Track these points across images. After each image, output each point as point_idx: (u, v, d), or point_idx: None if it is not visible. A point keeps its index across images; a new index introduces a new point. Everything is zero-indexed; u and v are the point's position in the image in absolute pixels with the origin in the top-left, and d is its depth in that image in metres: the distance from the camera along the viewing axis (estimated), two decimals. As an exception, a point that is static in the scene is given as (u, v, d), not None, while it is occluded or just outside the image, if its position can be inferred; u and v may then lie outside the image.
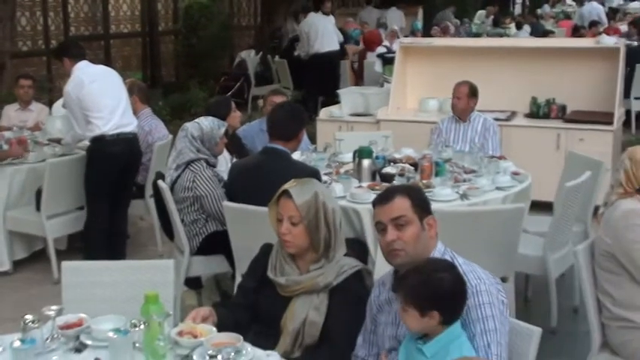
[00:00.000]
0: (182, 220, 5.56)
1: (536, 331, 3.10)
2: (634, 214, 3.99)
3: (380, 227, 3.22)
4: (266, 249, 3.72)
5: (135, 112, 7.15)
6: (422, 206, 3.24)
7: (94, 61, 6.91)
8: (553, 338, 5.42)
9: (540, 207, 6.55)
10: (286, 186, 3.55)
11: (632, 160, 4.11)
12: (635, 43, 12.77)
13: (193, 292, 6.09)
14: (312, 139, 8.21)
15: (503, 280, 5.12)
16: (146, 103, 7.57)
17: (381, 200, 3.27)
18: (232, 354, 3.00)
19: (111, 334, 3.16)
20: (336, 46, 13.59)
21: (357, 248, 3.62)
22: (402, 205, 3.19)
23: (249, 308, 3.64)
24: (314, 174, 4.97)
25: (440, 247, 3.29)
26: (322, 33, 13.46)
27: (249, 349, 3.20)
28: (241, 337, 3.27)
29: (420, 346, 3.00)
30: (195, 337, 3.25)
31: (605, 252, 4.07)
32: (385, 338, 3.28)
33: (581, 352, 4.27)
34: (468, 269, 3.15)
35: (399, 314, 3.09)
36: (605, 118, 8.29)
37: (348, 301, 3.44)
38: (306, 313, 3.48)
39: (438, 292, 2.92)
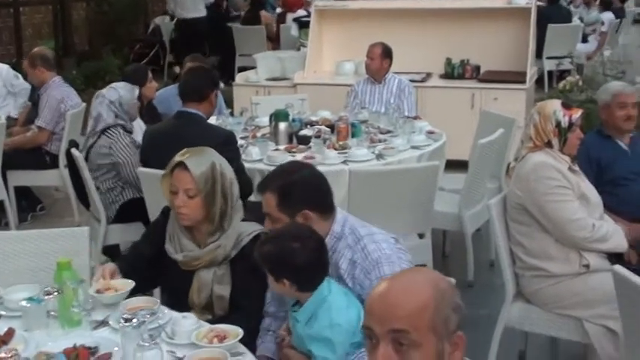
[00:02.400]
0: (98, 188, 5.50)
1: (450, 281, 3.14)
2: (543, 166, 4.08)
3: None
4: (167, 211, 3.62)
5: (44, 82, 7.09)
6: (291, 205, 3.16)
7: (2, 30, 6.73)
8: (470, 291, 5.59)
9: (456, 165, 6.66)
10: (181, 157, 3.42)
11: (541, 114, 4.20)
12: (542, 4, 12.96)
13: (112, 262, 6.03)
14: (230, 105, 8.21)
15: (421, 236, 5.24)
16: (54, 71, 7.37)
17: (258, 188, 3.28)
18: (148, 316, 2.99)
19: (24, 303, 3.12)
20: (198, 14, 13.39)
21: (255, 207, 3.55)
22: (269, 202, 3.18)
23: (140, 274, 3.49)
24: (229, 137, 4.96)
25: (340, 219, 3.25)
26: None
27: (165, 311, 3.21)
28: (158, 301, 3.27)
29: (293, 312, 3.04)
30: (116, 290, 3.28)
31: (516, 204, 4.16)
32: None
33: (498, 302, 4.37)
34: (369, 241, 3.15)
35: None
36: (518, 78, 8.45)
37: (250, 268, 3.30)
38: (210, 287, 3.43)
39: (285, 262, 2.96)
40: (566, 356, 4.83)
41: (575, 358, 4.68)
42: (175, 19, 13.87)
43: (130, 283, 3.32)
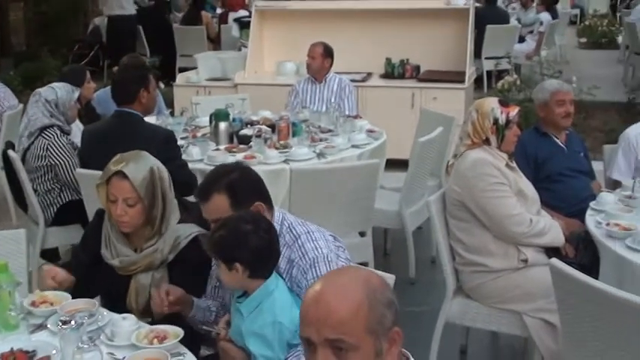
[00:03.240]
0: (35, 190, 5.41)
1: (390, 277, 3.16)
2: (482, 163, 4.12)
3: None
4: (100, 215, 3.55)
5: (-23, 84, 6.93)
6: (243, 201, 3.11)
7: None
8: (412, 288, 5.62)
9: (397, 164, 6.70)
10: (117, 166, 3.32)
11: (478, 112, 4.24)
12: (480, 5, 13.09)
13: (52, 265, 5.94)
14: (171, 105, 8.15)
15: (362, 234, 5.25)
16: (-12, 72, 7.27)
17: (200, 196, 3.17)
18: (86, 318, 2.94)
19: (-42, 307, 3.05)
20: (124, 11, 13.18)
21: (197, 209, 3.51)
22: (220, 204, 3.10)
23: (83, 280, 3.45)
24: (168, 136, 4.92)
25: (278, 216, 3.24)
26: None
27: (104, 313, 3.16)
28: (97, 303, 3.22)
29: (238, 304, 3.01)
30: (52, 304, 3.20)
31: (455, 201, 4.19)
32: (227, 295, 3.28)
33: (439, 298, 4.40)
34: (306, 239, 3.15)
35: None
36: (457, 77, 8.53)
37: (188, 271, 3.33)
38: (148, 291, 3.36)
39: (239, 244, 2.92)
40: (506, 350, 4.89)
41: (516, 351, 4.74)
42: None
43: (66, 297, 3.25)
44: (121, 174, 3.30)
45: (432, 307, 4.53)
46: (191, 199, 4.74)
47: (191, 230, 3.42)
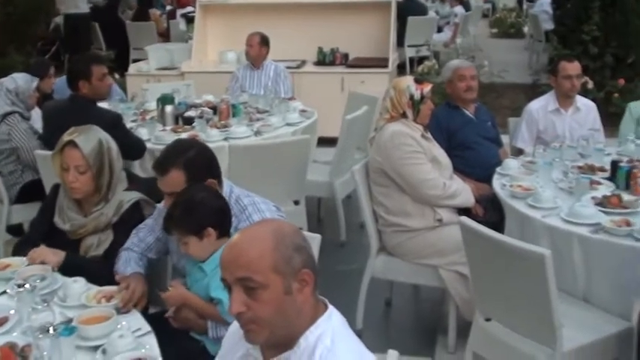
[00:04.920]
0: (0, 172, 5.32)
1: (317, 237, 3.14)
2: (399, 134, 4.13)
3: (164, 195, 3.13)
4: (55, 189, 3.54)
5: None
6: (198, 178, 3.06)
7: None
8: (343, 250, 5.64)
9: (329, 142, 6.66)
10: (70, 136, 3.34)
11: (396, 89, 4.24)
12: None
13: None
14: (125, 93, 8.03)
15: (296, 203, 5.23)
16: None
17: (158, 169, 3.10)
18: (38, 281, 2.90)
19: None
20: (78, 10, 12.91)
21: (146, 183, 3.46)
22: (176, 179, 3.04)
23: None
24: (115, 118, 4.93)
25: (226, 188, 3.20)
26: None
27: (57, 277, 3.09)
28: (49, 268, 3.15)
29: (200, 264, 2.98)
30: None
31: (377, 169, 4.20)
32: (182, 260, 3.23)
33: (367, 258, 4.41)
34: (253, 210, 3.11)
35: (180, 252, 3.05)
36: (382, 63, 8.56)
37: (128, 229, 3.32)
38: (95, 251, 3.36)
39: (204, 210, 2.90)
40: (427, 301, 4.92)
41: (435, 301, 4.77)
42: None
43: (24, 262, 3.19)
44: (72, 143, 3.31)
45: (360, 265, 4.53)
46: (141, 173, 4.76)
47: (132, 196, 3.42)
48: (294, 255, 1.89)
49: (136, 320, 2.81)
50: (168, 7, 15.08)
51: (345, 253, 5.54)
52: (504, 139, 5.48)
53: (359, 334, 1.99)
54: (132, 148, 4.85)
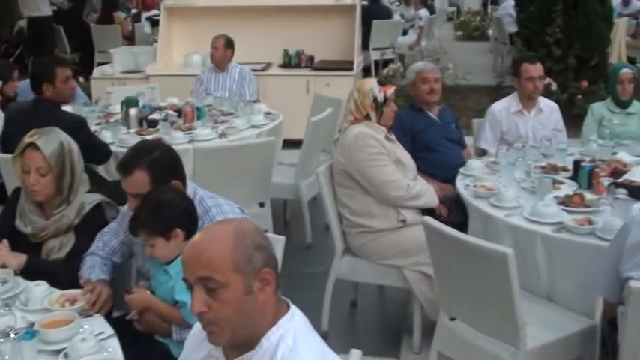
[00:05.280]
0: (-39, 176, 5.24)
1: (281, 239, 3.14)
2: (363, 136, 4.14)
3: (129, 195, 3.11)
4: (17, 192, 3.50)
5: None
6: (163, 179, 3.04)
7: None
8: (309, 252, 5.64)
9: (294, 144, 6.66)
10: (31, 138, 3.30)
11: (359, 91, 4.25)
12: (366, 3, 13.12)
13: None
14: (89, 96, 7.98)
15: (261, 205, 5.22)
16: None
17: (122, 170, 3.08)
18: (0, 285, 2.86)
19: None
20: (40, 13, 12.70)
21: (111, 186, 3.43)
22: (141, 180, 3.02)
23: None
24: (79, 122, 4.87)
25: (190, 190, 3.18)
26: None
27: (19, 281, 3.05)
28: (11, 271, 3.11)
29: (165, 267, 2.96)
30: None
31: (341, 171, 4.20)
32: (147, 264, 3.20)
33: (332, 260, 4.41)
34: (217, 212, 3.10)
35: (146, 254, 3.03)
36: (347, 66, 8.57)
37: (90, 231, 3.30)
38: (57, 254, 3.32)
39: (172, 211, 2.89)
40: (392, 302, 4.94)
41: (400, 302, 4.79)
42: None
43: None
44: (33, 146, 3.28)
45: (326, 267, 4.53)
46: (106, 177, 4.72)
47: (94, 198, 3.40)
48: (255, 254, 1.89)
49: (99, 323, 2.78)
50: (134, 10, 14.94)
51: (311, 256, 5.54)
52: (468, 140, 5.52)
53: (325, 335, 2.00)
54: (97, 152, 4.83)
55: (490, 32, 16.95)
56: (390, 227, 4.14)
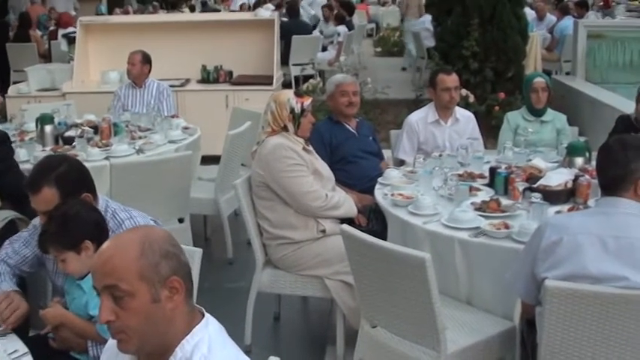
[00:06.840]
0: None
1: (198, 251, 3.09)
2: (280, 147, 4.13)
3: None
4: None
5: None
6: (72, 193, 2.97)
7: None
8: (231, 267, 5.57)
9: (214, 160, 6.59)
10: None
11: (276, 102, 4.24)
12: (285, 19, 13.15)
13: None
14: (4, 116, 7.81)
15: (180, 220, 5.15)
16: None
17: (30, 188, 2.99)
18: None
19: None
20: None
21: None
22: (49, 196, 2.95)
23: None
24: (2, 137, 4.66)
25: (102, 203, 3.11)
26: None
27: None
28: None
29: (78, 282, 2.90)
30: None
31: (259, 182, 4.18)
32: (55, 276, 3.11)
33: (254, 274, 4.36)
34: (130, 225, 3.03)
35: (59, 271, 2.96)
36: (266, 80, 8.54)
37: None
38: None
39: (80, 223, 2.83)
40: (315, 312, 4.93)
41: (323, 312, 4.78)
42: None
43: None
44: None
45: (248, 282, 4.47)
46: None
47: (7, 214, 3.35)
48: (162, 262, 1.85)
49: (13, 342, 2.71)
50: (51, 28, 14.66)
51: (233, 271, 5.47)
52: (387, 153, 5.56)
53: (248, 349, 1.98)
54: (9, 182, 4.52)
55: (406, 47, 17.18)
56: (310, 238, 4.13)
